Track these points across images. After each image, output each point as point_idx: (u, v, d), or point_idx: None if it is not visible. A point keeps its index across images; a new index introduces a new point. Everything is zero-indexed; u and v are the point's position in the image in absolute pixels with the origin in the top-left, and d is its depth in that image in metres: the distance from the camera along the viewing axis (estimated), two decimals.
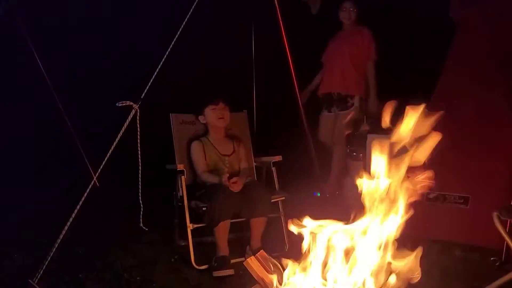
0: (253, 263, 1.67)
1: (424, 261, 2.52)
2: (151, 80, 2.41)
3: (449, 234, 3.01)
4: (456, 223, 3.05)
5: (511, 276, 2.31)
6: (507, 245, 2.56)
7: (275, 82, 3.93)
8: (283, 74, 3.75)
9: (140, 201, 2.71)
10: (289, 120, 3.80)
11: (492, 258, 2.78)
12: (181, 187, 2.96)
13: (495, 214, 2.35)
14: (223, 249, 2.85)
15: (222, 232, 2.83)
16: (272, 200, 3.00)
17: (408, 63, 4.23)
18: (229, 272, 2.70)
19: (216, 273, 2.74)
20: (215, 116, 3.12)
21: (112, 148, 2.39)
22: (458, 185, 3.10)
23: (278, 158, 3.21)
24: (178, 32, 2.42)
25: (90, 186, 2.40)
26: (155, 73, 2.41)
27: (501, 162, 2.99)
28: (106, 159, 2.40)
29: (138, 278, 2.69)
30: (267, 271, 1.65)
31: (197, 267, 2.83)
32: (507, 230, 2.45)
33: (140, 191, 2.68)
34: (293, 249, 2.80)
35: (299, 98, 3.07)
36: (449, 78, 3.40)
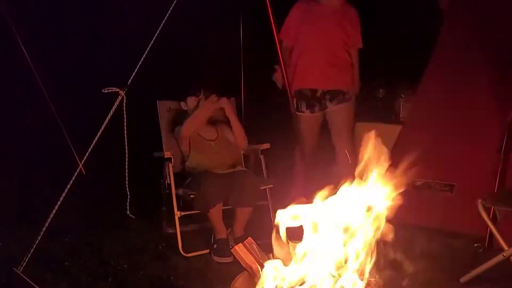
0: (240, 251, 1.67)
1: (409, 248, 2.57)
2: (138, 66, 2.37)
3: (434, 221, 3.06)
4: (441, 210, 3.10)
5: (494, 262, 2.36)
6: (491, 231, 2.62)
7: (263, 69, 3.90)
8: (272, 62, 3.73)
9: (127, 189, 2.69)
10: (277, 108, 3.79)
11: (475, 244, 2.84)
12: (169, 174, 2.95)
13: (479, 202, 2.40)
14: (221, 232, 2.87)
15: (216, 215, 2.84)
16: (260, 188, 3.00)
17: (395, 53, 4.24)
18: (229, 259, 2.71)
19: (217, 259, 2.77)
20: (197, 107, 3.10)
21: (98, 135, 2.36)
22: (443, 173, 3.14)
23: (267, 145, 3.21)
24: (165, 17, 2.38)
25: (76, 174, 2.37)
26: (142, 59, 2.37)
27: (485, 150, 3.03)
28: (92, 146, 2.37)
29: (125, 265, 2.68)
30: (255, 258, 1.65)
31: (184, 254, 2.83)
32: (491, 217, 2.50)
33: (127, 178, 2.66)
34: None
35: (287, 85, 3.04)
36: (436, 68, 3.43)
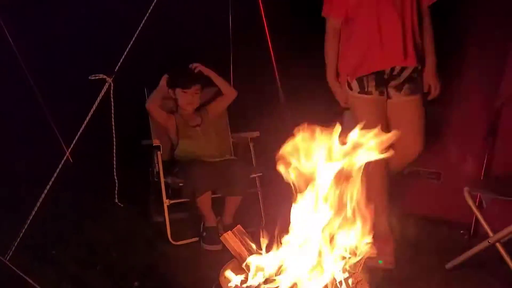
0: (230, 238, 1.67)
1: (395, 235, 2.60)
2: (126, 52, 2.34)
3: (421, 208, 3.10)
4: (428, 197, 3.14)
5: (479, 249, 2.40)
6: (476, 218, 2.66)
7: (253, 55, 3.86)
8: (262, 47, 3.70)
9: (115, 177, 2.67)
10: (267, 95, 3.77)
11: (461, 232, 2.88)
12: (157, 162, 2.93)
13: (465, 189, 2.43)
14: (210, 220, 2.87)
15: (205, 203, 2.84)
16: (250, 176, 3.00)
17: None
18: (218, 247, 2.71)
19: (207, 247, 2.77)
20: (184, 100, 3.09)
21: (86, 123, 2.33)
22: (431, 161, 3.17)
23: (256, 134, 3.21)
24: (154, 3, 2.34)
25: (62, 162, 2.34)
26: (130, 44, 2.33)
27: (472, 138, 3.06)
28: (79, 134, 2.34)
29: (113, 254, 2.68)
30: (244, 246, 1.65)
31: (173, 242, 2.83)
32: (477, 204, 2.54)
33: (115, 166, 2.64)
34: (269, 224, 2.82)
35: (276, 71, 3.02)
36: None
